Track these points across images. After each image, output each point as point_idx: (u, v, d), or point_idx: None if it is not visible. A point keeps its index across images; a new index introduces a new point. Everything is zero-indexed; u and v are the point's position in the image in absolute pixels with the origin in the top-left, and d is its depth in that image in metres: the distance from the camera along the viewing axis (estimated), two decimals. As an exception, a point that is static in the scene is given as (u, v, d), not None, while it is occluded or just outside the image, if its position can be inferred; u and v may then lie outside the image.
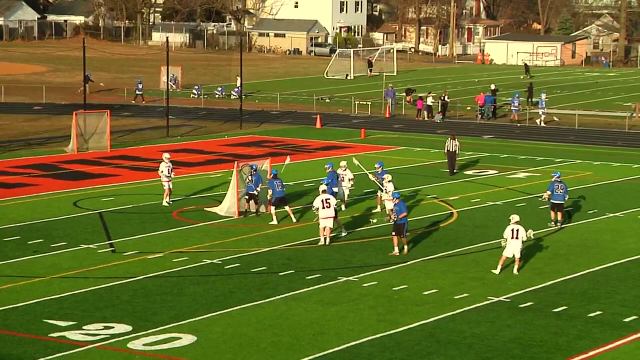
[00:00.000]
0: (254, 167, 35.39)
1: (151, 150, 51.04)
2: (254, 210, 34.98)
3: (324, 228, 30.99)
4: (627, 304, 25.21)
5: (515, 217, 28.58)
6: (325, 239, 30.97)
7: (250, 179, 34.76)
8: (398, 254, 29.75)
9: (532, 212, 36.20)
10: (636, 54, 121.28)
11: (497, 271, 27.98)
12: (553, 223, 33.89)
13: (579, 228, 33.99)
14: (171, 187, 37.08)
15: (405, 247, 30.10)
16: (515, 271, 28.08)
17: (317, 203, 31.09)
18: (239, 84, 77.16)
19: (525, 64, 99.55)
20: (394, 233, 29.85)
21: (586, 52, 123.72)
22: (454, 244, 31.24)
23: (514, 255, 28.06)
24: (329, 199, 30.95)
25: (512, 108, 65.51)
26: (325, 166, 36.55)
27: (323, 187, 31.80)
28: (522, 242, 28.17)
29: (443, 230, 33.46)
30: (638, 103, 69.53)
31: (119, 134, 54.95)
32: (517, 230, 28.10)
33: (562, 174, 35.18)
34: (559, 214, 33.94)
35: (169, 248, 30.40)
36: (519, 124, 63.09)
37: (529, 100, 70.92)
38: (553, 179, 34.24)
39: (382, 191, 34.51)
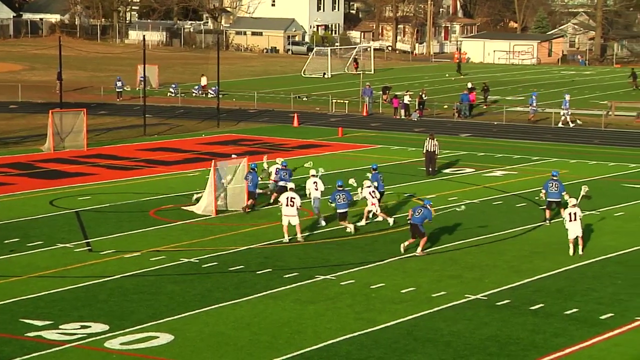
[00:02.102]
0: (252, 165, 35.61)
1: (128, 149, 50.94)
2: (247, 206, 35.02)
3: (287, 225, 31.04)
4: (603, 302, 25.33)
5: (572, 201, 30.32)
6: (291, 237, 30.97)
7: (249, 177, 35.02)
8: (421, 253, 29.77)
9: (509, 210, 36.34)
10: (612, 52, 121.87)
11: (571, 252, 29.76)
12: (548, 222, 33.89)
13: (556, 226, 34.08)
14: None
15: (419, 248, 30.00)
16: (580, 252, 29.67)
17: (282, 199, 31.30)
18: (203, 82, 77.20)
19: (458, 63, 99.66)
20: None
21: (562, 50, 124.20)
22: (430, 242, 31.28)
23: (577, 237, 29.73)
24: (294, 197, 30.95)
25: (530, 109, 64.50)
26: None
27: (290, 184, 32.02)
28: (581, 220, 29.90)
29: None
30: (614, 101, 69.94)
31: (95, 133, 54.78)
32: (575, 214, 29.80)
33: (559, 172, 35.17)
34: (562, 211, 33.90)
35: (146, 247, 30.33)
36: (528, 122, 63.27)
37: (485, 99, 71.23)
38: (549, 178, 34.31)
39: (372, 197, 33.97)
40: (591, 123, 63.45)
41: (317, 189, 33.64)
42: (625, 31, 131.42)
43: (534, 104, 64.22)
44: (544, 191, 34.13)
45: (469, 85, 72.18)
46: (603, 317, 24.08)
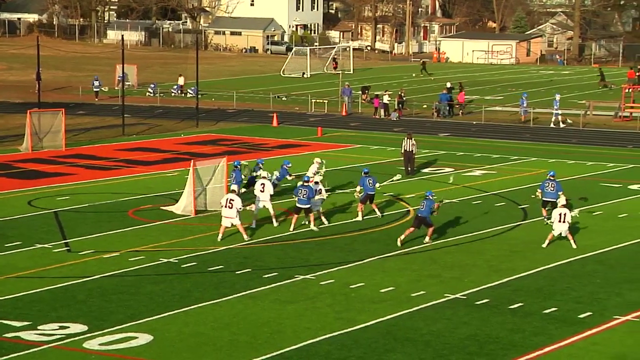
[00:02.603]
0: (236, 163, 35.58)
1: (107, 149, 50.79)
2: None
3: (225, 227, 30.97)
4: (582, 301, 25.42)
5: (562, 200, 30.77)
6: (221, 236, 30.98)
7: (233, 175, 34.96)
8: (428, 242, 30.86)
9: (487, 209, 36.41)
10: (590, 52, 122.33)
11: (544, 244, 30.60)
12: (547, 220, 33.98)
13: (535, 225, 34.22)
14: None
15: (427, 237, 31.06)
16: (574, 245, 30.46)
17: (222, 201, 31.25)
18: (181, 82, 77.01)
19: (423, 62, 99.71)
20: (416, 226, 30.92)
21: (541, 50, 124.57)
22: (410, 242, 31.31)
23: (560, 234, 30.50)
24: (233, 199, 30.85)
25: (520, 109, 64.22)
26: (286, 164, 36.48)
27: (234, 187, 31.99)
28: (569, 223, 30.53)
29: (399, 228, 33.49)
30: (592, 101, 70.19)
31: (74, 133, 54.59)
32: (565, 215, 30.33)
33: (555, 173, 35.26)
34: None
35: (125, 247, 30.25)
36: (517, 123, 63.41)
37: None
38: (546, 178, 34.41)
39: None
40: (569, 122, 63.58)
41: (262, 191, 33.22)
42: (603, 31, 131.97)
43: (525, 104, 64.09)
44: (539, 191, 34.16)
45: (448, 84, 72.34)
46: (582, 316, 24.17)
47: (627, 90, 68.84)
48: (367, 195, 34.85)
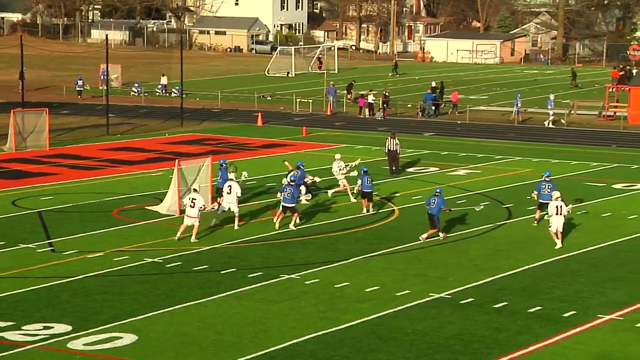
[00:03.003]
0: (221, 162, 35.56)
1: (91, 148, 50.66)
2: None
3: (186, 226, 30.88)
4: (566, 299, 25.48)
5: (556, 194, 30.77)
6: (191, 236, 30.92)
7: (219, 174, 34.92)
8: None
9: (471, 209, 36.43)
10: (574, 51, 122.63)
11: (559, 245, 30.58)
12: (536, 222, 34.00)
13: (520, 224, 34.29)
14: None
15: (432, 232, 31.43)
16: (559, 244, 30.53)
17: (185, 201, 31.31)
18: (163, 82, 76.83)
19: (395, 62, 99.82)
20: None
21: (525, 49, 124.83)
22: (395, 241, 31.35)
23: (557, 230, 30.51)
24: (195, 199, 30.81)
25: (514, 109, 63.77)
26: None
27: (195, 185, 31.97)
28: (564, 217, 30.59)
29: (384, 228, 33.58)
30: (576, 100, 70.37)
31: (58, 132, 54.44)
32: (561, 207, 30.39)
33: (551, 173, 35.30)
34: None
35: (109, 247, 30.18)
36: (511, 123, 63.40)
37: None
38: (542, 178, 34.41)
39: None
40: (554, 122, 63.73)
41: (229, 193, 32.92)
42: (587, 31, 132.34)
43: (519, 105, 63.89)
44: (536, 192, 34.14)
45: (433, 84, 72.42)
46: (566, 314, 24.23)
47: (610, 90, 69.04)
48: (363, 192, 35.21)
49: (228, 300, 24.97)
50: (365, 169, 35.96)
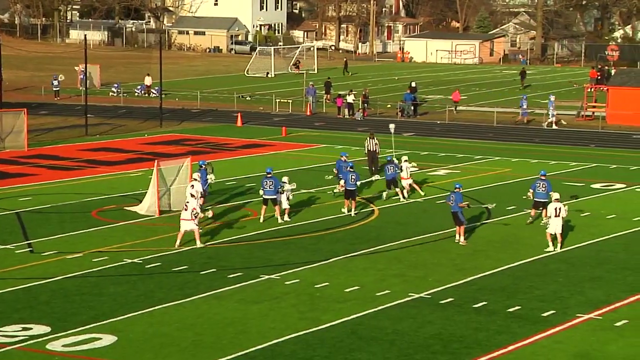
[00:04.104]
0: (201, 163, 35.53)
1: (69, 149, 50.50)
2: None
3: (185, 232, 30.36)
4: (545, 299, 25.56)
5: (555, 195, 30.64)
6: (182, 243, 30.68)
7: (198, 174, 34.83)
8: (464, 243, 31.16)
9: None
10: (553, 51, 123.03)
11: (551, 248, 30.24)
12: (530, 221, 34.05)
13: (499, 224, 34.34)
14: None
15: (462, 236, 31.36)
16: (559, 248, 30.24)
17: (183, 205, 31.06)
18: (147, 82, 76.63)
19: (346, 61, 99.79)
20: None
21: (504, 50, 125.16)
22: (375, 241, 31.38)
23: (555, 232, 30.38)
24: (187, 202, 30.59)
25: (520, 111, 63.65)
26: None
27: (191, 190, 31.87)
28: (563, 219, 30.44)
29: (364, 228, 33.60)
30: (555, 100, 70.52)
31: (36, 133, 54.24)
32: (560, 209, 30.22)
33: (546, 172, 35.41)
34: (544, 212, 34.13)
35: (88, 248, 30.09)
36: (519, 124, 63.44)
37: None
38: (538, 177, 34.51)
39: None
40: (532, 122, 63.97)
41: (185, 209, 32.50)
42: (566, 31, 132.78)
43: (525, 106, 63.75)
44: (531, 191, 34.20)
45: (413, 84, 72.49)
46: (545, 314, 24.31)
47: (589, 90, 69.30)
48: (348, 191, 35.10)
49: (208, 301, 24.93)
50: (351, 165, 36.04)
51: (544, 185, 33.83)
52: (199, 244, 30.41)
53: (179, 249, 30.01)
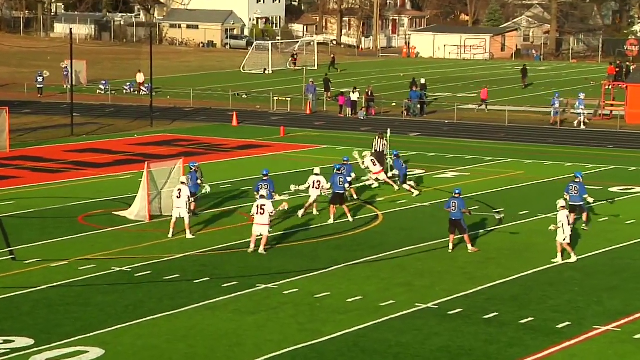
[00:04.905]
0: (191, 165, 35.69)
1: (54, 150, 50.56)
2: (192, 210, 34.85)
3: (257, 235, 30.80)
4: (559, 310, 25.58)
5: (561, 202, 30.52)
6: (256, 247, 30.75)
7: (189, 177, 34.84)
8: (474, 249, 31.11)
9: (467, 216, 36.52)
10: (568, 46, 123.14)
11: (559, 259, 30.01)
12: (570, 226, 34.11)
13: (510, 230, 34.37)
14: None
15: (469, 245, 31.23)
16: (559, 259, 30.03)
17: (253, 209, 31.11)
18: (139, 79, 76.69)
19: (333, 57, 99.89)
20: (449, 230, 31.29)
21: (516, 44, 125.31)
22: (379, 248, 31.41)
23: (564, 241, 30.23)
24: (264, 205, 30.82)
25: (552, 110, 63.45)
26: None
27: (263, 192, 31.87)
28: (571, 227, 30.59)
29: (367, 234, 33.63)
30: (570, 98, 70.61)
31: (19, 133, 54.30)
32: (569, 216, 30.26)
33: (582, 174, 35.37)
34: (583, 215, 34.14)
35: (74, 255, 30.12)
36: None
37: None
38: (571, 180, 34.56)
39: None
40: (547, 121, 64.04)
41: (179, 197, 32.43)
42: (582, 25, 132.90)
43: (557, 105, 63.62)
44: (565, 194, 34.28)
45: (422, 81, 72.61)
46: (559, 325, 24.33)
47: (607, 87, 69.34)
48: (336, 194, 35.00)
49: (200, 312, 24.96)
50: (338, 166, 36.06)
51: (576, 188, 33.97)
52: (188, 235, 31.80)
53: (170, 256, 30.04)
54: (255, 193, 33.81)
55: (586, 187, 34.69)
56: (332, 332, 23.54)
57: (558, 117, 63.18)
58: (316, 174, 35.54)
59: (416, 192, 39.42)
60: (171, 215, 33.04)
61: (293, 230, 33.73)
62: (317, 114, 66.93)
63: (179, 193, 32.42)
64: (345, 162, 37.70)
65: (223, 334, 23.40)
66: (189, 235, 32.28)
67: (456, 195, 31.40)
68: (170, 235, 32.16)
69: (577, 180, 34.35)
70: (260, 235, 30.63)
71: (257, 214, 30.70)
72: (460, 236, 31.44)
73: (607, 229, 34.70)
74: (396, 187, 39.98)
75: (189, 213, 32.61)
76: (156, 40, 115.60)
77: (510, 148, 53.39)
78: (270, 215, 30.66)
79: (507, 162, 48.61)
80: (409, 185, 39.87)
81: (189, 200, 32.46)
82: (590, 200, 34.74)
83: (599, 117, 65.78)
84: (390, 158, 41.32)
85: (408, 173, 41.14)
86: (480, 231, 34.01)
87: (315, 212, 35.84)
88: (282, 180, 38.39)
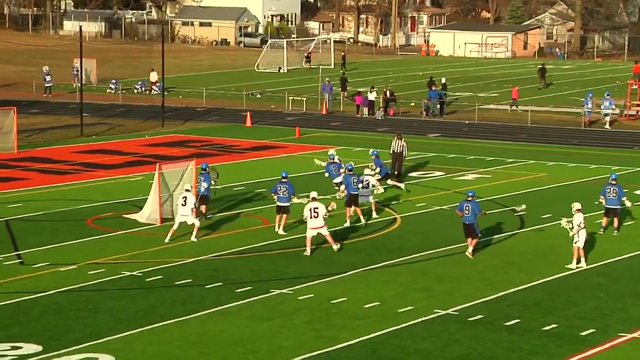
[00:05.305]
0: (203, 166, 35.72)
1: (63, 151, 50.67)
2: (204, 214, 34.91)
3: (311, 238, 31.07)
4: (584, 316, 25.52)
5: (577, 205, 30.23)
6: (311, 250, 31.00)
7: (201, 179, 34.88)
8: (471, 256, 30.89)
9: (481, 217, 36.42)
10: (593, 44, 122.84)
11: (573, 265, 29.75)
12: (602, 230, 34.04)
13: (533, 233, 34.33)
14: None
15: (470, 247, 31.10)
16: (575, 265, 29.81)
17: (305, 212, 31.21)
18: (153, 78, 76.75)
19: (343, 56, 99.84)
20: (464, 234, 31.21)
21: (539, 42, 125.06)
22: (397, 252, 31.38)
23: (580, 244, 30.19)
24: (317, 207, 30.89)
25: (584, 110, 63.14)
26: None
27: (313, 193, 31.95)
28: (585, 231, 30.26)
29: (385, 237, 33.61)
30: (595, 98, 70.42)
31: (27, 134, 54.44)
32: (584, 219, 30.02)
33: (617, 176, 35.33)
34: (615, 220, 34.09)
35: (83, 259, 30.18)
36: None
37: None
38: (608, 182, 34.48)
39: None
40: (570, 122, 63.91)
41: (184, 205, 32.41)
42: (607, 22, 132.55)
43: (590, 105, 63.30)
44: (602, 197, 34.21)
45: (443, 80, 72.56)
46: (584, 333, 24.27)
47: (633, 87, 69.14)
48: (351, 196, 35.01)
49: (213, 317, 24.98)
50: (350, 167, 36.10)
51: (614, 191, 33.90)
52: (193, 238, 32.14)
53: (182, 261, 30.08)
54: (272, 194, 33.83)
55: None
56: (349, 339, 23.53)
57: (589, 117, 62.99)
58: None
59: (380, 190, 39.24)
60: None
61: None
62: (334, 114, 66.93)
63: (184, 201, 32.38)
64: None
65: (236, 340, 23.41)
66: (193, 238, 32.37)
67: (470, 198, 31.17)
68: (167, 240, 32.12)
69: (613, 182, 34.23)
70: (318, 234, 31.05)
71: (310, 217, 30.82)
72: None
73: (632, 234, 34.60)
74: (381, 190, 39.76)
75: (197, 217, 32.69)
76: (168, 38, 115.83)
77: (532, 149, 53.28)
78: (323, 218, 31.01)
79: (529, 164, 48.51)
80: (393, 182, 40.78)
81: (195, 207, 32.42)
82: (629, 203, 34.66)
83: (624, 117, 65.60)
84: (370, 157, 41.37)
85: (427, 175, 41.08)
86: (503, 234, 33.94)
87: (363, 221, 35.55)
88: (299, 182, 38.37)
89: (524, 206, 33.82)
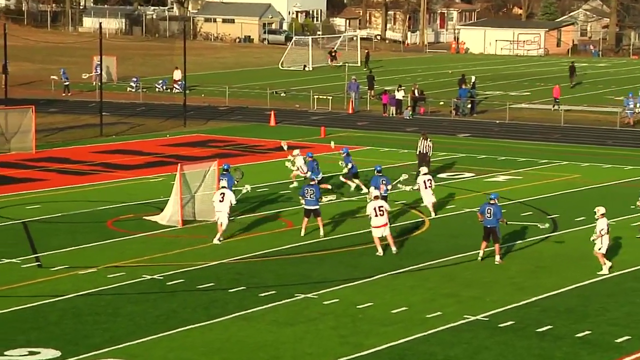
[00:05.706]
0: (225, 167, 35.72)
1: (82, 151, 50.86)
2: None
3: (379, 238, 31.29)
4: (618, 323, 25.44)
5: (601, 209, 29.95)
6: (384, 248, 31.28)
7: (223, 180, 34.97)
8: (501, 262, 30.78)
9: (512, 220, 36.37)
10: (628, 42, 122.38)
11: (605, 270, 29.55)
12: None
13: (565, 237, 34.25)
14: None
15: (497, 256, 30.86)
16: (607, 271, 29.63)
17: (369, 210, 31.33)
18: (176, 76, 76.86)
19: (367, 53, 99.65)
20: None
21: (573, 39, 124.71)
22: (425, 256, 31.37)
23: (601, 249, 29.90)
24: (382, 206, 31.01)
25: (626, 110, 63.07)
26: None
27: (375, 192, 31.96)
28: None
29: (413, 241, 33.60)
30: (632, 97, 70.16)
31: (45, 133, 54.67)
32: (608, 224, 29.83)
33: None
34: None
35: (103, 262, 30.29)
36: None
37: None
38: None
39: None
40: (605, 121, 63.71)
41: (222, 201, 32.63)
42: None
43: (631, 105, 62.99)
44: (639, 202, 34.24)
45: (473, 78, 72.48)
46: (619, 340, 24.20)
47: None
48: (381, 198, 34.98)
49: (236, 322, 25.04)
50: (379, 168, 36.38)
51: None
52: (216, 240, 32.40)
53: (204, 264, 30.15)
54: (300, 197, 33.75)
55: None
56: (376, 345, 23.54)
57: (632, 117, 62.76)
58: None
59: (332, 196, 38.43)
60: (206, 220, 33.20)
61: (334, 237, 33.74)
62: (360, 114, 66.94)
63: (222, 197, 32.59)
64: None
65: (260, 346, 23.45)
66: (216, 240, 32.51)
67: (492, 202, 31.03)
68: (216, 241, 32.46)
69: None
70: (382, 236, 31.20)
71: (375, 216, 30.90)
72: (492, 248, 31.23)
73: (669, 237, 34.47)
74: (354, 186, 40.57)
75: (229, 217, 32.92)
76: (190, 35, 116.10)
77: (566, 150, 53.14)
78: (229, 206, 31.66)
79: (562, 165, 48.39)
80: (355, 182, 40.83)
81: (232, 204, 32.64)
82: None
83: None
84: (340, 155, 41.46)
85: (455, 176, 41.02)
86: (534, 238, 33.87)
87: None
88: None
89: (547, 225, 33.64)
